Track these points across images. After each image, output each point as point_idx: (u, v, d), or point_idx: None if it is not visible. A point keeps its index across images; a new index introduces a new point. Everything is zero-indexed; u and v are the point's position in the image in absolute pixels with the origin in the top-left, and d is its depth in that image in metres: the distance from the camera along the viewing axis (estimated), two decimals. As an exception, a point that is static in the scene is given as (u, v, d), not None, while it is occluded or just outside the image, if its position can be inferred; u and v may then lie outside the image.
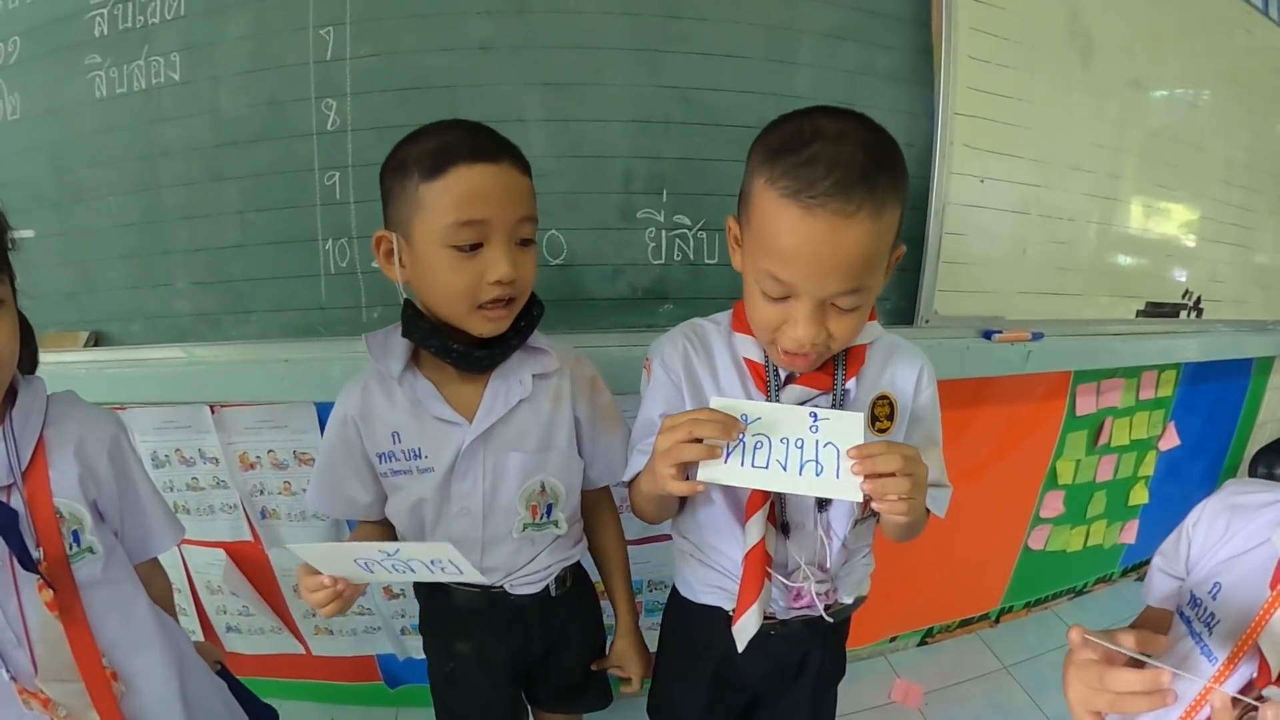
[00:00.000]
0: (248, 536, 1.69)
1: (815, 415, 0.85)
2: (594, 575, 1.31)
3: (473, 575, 0.88)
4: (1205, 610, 0.81)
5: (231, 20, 1.39)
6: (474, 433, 1.04)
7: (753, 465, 0.84)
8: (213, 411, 1.54)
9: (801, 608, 1.08)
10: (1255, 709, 0.68)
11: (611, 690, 1.35)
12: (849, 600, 1.15)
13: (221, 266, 1.48)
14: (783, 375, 1.00)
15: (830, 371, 0.99)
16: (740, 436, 0.84)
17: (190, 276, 1.49)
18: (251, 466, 1.61)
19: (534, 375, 1.07)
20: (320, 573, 0.90)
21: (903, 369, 1.05)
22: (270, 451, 1.59)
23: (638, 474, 1.04)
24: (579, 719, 1.41)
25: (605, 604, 1.32)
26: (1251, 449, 3.02)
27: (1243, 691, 0.71)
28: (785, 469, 0.83)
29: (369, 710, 1.97)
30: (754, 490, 0.95)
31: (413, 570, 0.89)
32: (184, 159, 1.45)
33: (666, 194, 1.48)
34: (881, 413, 1.03)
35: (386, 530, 1.16)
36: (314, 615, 1.79)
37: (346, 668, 1.92)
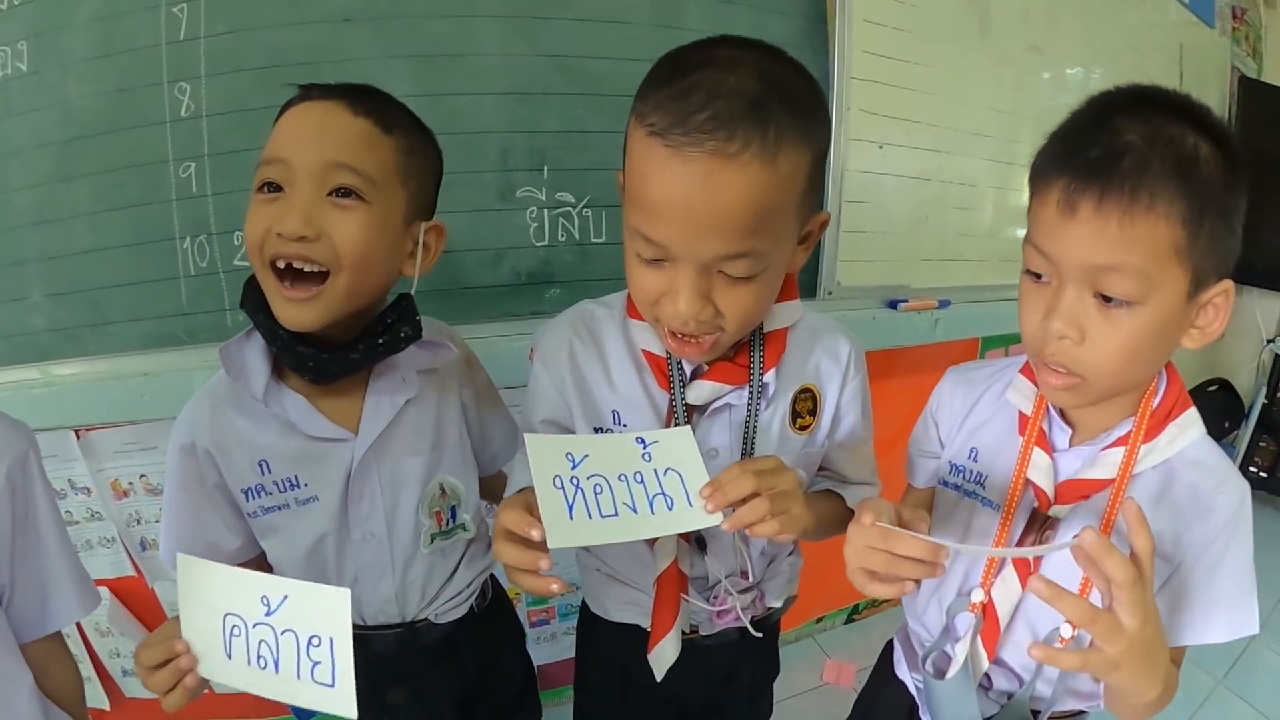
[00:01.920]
0: (130, 571, 1.55)
1: (643, 441, 0.75)
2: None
3: (345, 702, 0.69)
4: (971, 472, 0.89)
5: (81, 1, 1.27)
6: (363, 445, 0.89)
7: (601, 515, 0.71)
8: (78, 436, 1.41)
9: (727, 623, 0.99)
10: (1052, 527, 0.81)
11: (540, 702, 1.28)
12: (778, 604, 1.07)
13: (76, 275, 1.35)
14: (688, 370, 0.85)
15: (745, 363, 0.85)
16: (575, 483, 0.71)
17: (45, 288, 1.36)
18: (125, 494, 1.48)
19: (419, 370, 0.93)
20: (172, 639, 0.74)
21: (829, 355, 0.92)
22: (142, 476, 1.46)
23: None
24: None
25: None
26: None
27: (1031, 520, 0.83)
28: (635, 511, 0.71)
29: None
30: None
31: (275, 666, 0.71)
32: (33, 157, 1.33)
33: (547, 170, 1.40)
34: (803, 408, 0.90)
35: None
36: None
37: (247, 703, 1.73)
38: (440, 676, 1.05)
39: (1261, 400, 3.14)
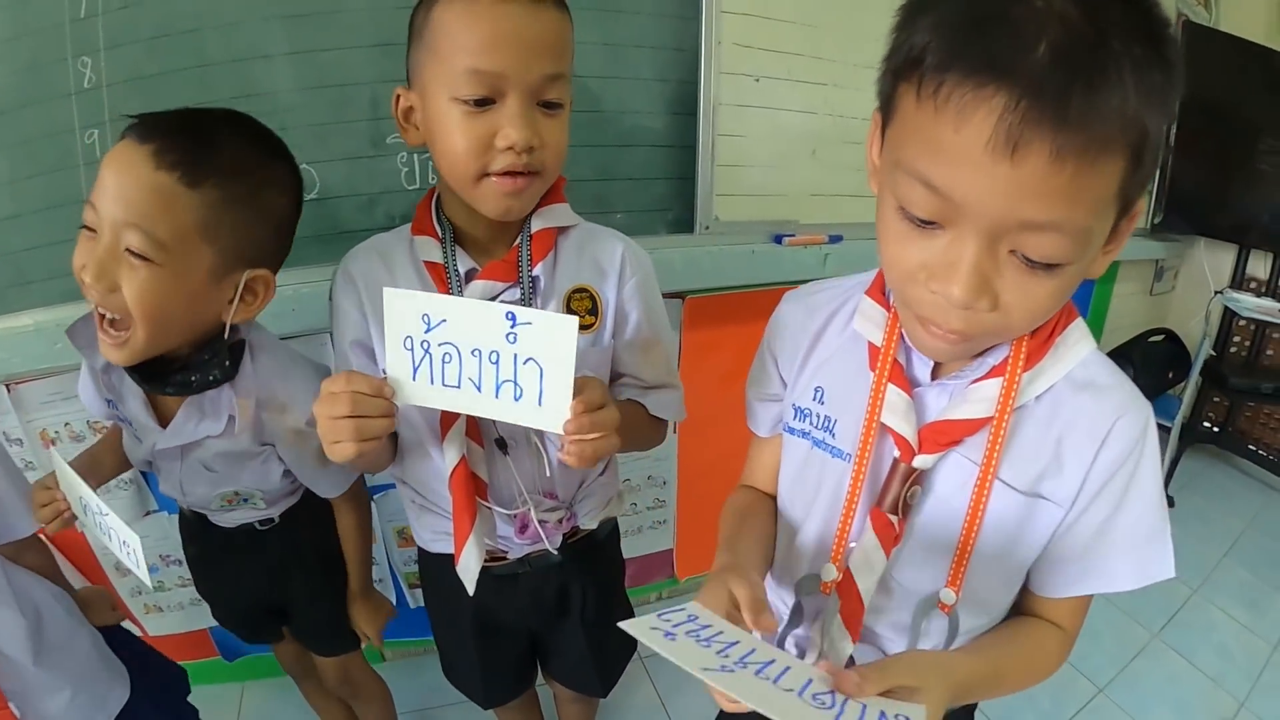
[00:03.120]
0: None
1: (513, 318, 0.70)
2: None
3: (143, 577, 0.88)
4: (818, 417, 0.78)
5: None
6: (164, 442, 0.98)
7: (443, 383, 0.73)
8: (9, 390, 1.52)
9: (530, 538, 1.01)
10: (919, 482, 0.69)
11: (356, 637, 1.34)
12: (593, 525, 1.09)
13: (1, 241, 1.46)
14: (463, 270, 0.90)
15: (514, 261, 0.91)
16: (425, 347, 0.73)
17: (-28, 255, 1.47)
18: (52, 442, 1.53)
19: (230, 416, 0.98)
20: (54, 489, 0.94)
21: (604, 256, 0.96)
22: (67, 424, 1.52)
23: None
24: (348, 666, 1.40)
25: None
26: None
27: (891, 474, 0.70)
28: (479, 390, 0.72)
29: (215, 689, 1.90)
30: None
31: (110, 539, 0.89)
32: (-43, 132, 1.43)
33: None
34: (581, 307, 0.94)
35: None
36: (140, 594, 1.75)
37: (183, 645, 1.85)
38: (226, 568, 1.21)
39: (1209, 351, 3.04)
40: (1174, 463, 3.01)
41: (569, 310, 0.93)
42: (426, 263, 0.91)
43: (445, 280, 0.90)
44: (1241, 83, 2.92)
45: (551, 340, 0.69)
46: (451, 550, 0.95)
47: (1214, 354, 3.17)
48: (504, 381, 0.72)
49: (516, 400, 0.72)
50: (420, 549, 1.13)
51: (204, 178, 0.83)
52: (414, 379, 0.73)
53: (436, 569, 1.10)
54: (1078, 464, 0.66)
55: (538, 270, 0.91)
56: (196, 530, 1.18)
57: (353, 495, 1.19)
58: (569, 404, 0.71)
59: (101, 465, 1.10)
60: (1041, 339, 0.65)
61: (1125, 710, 1.96)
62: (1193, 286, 3.39)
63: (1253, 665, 2.19)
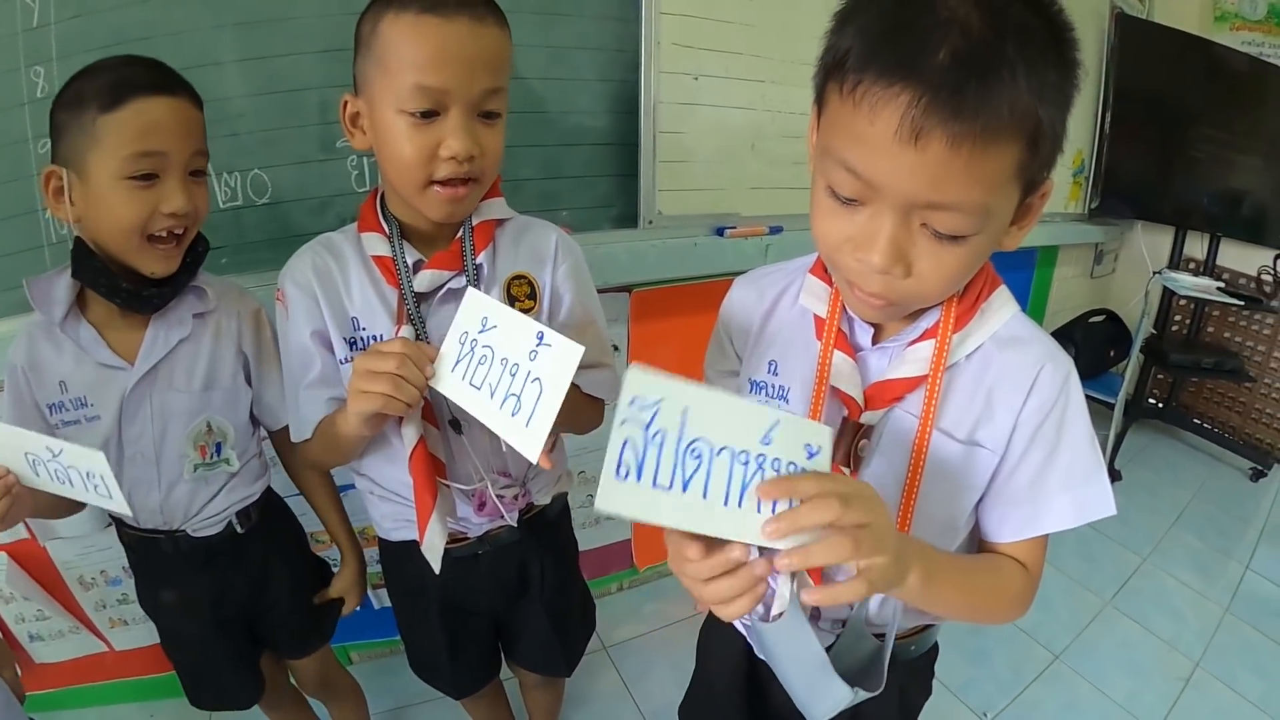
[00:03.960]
0: (24, 534, 1.60)
1: (541, 336, 0.73)
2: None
3: (120, 504, 0.88)
4: (773, 388, 0.84)
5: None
6: (136, 375, 1.02)
7: (471, 382, 0.77)
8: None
9: (489, 515, 1.06)
10: (867, 436, 0.75)
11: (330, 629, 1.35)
12: (546, 500, 1.14)
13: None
14: (410, 262, 0.96)
15: (459, 251, 0.97)
16: (472, 346, 0.78)
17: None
18: None
19: (194, 314, 1.06)
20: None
21: (540, 244, 1.04)
22: None
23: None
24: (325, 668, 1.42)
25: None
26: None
27: (842, 430, 0.75)
28: (491, 397, 0.75)
29: (182, 704, 1.83)
30: None
31: (73, 483, 0.89)
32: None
33: None
34: (520, 292, 1.02)
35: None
36: (106, 608, 1.72)
37: (150, 659, 1.80)
38: (203, 586, 1.17)
39: (1150, 330, 3.14)
40: (1119, 438, 3.10)
41: (509, 296, 1.00)
42: (375, 257, 0.97)
43: (394, 272, 0.96)
44: (1176, 73, 3.04)
45: (556, 365, 0.72)
46: (413, 536, 0.99)
47: (1154, 332, 3.28)
48: (510, 395, 0.75)
49: (512, 415, 0.74)
50: (381, 540, 1.17)
51: (200, 105, 1.00)
52: (452, 370, 0.78)
53: (399, 558, 1.14)
54: (1008, 411, 0.72)
55: (480, 259, 0.98)
56: (168, 557, 1.14)
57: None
58: (547, 432, 0.73)
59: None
60: (969, 304, 0.72)
61: (1082, 675, 2.02)
62: (1132, 268, 3.51)
63: (1205, 627, 2.26)
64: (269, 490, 1.24)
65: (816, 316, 0.79)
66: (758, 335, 0.87)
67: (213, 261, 1.28)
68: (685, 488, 0.55)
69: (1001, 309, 0.74)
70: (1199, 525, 2.80)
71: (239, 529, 1.16)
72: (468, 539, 1.09)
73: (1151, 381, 3.47)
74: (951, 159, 0.54)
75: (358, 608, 1.34)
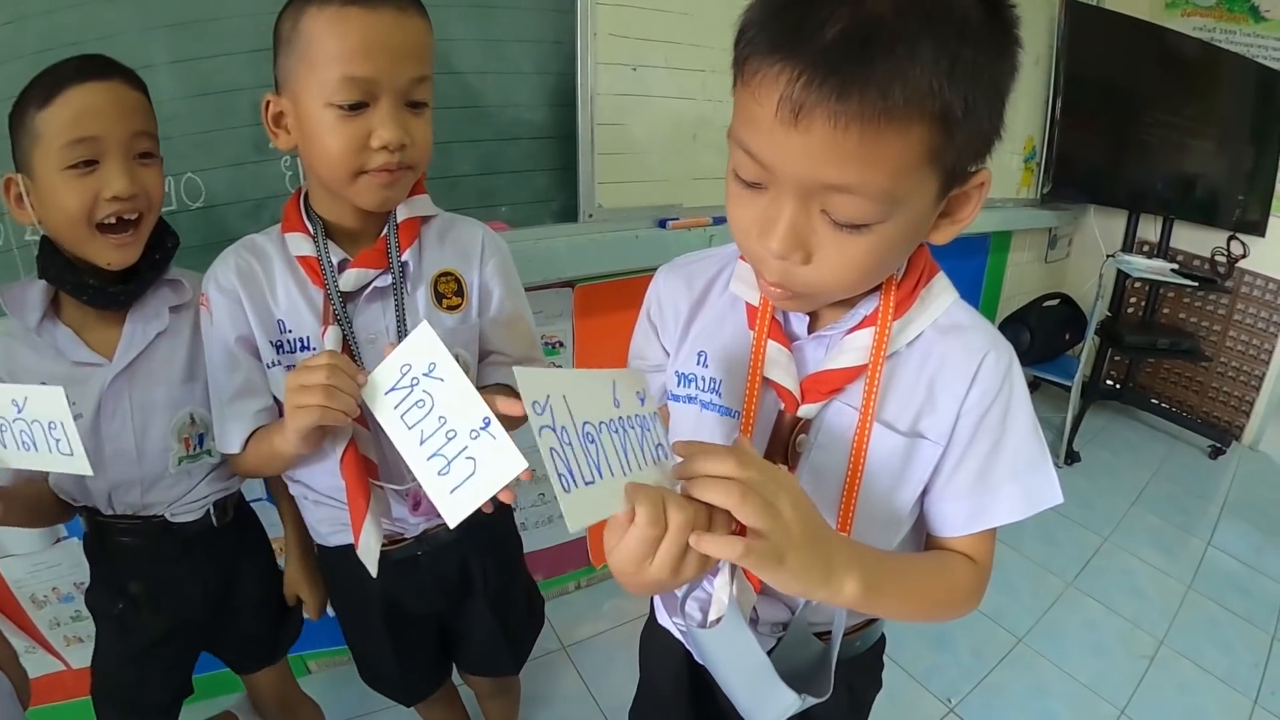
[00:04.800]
0: None
1: (488, 423, 0.65)
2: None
3: (81, 461, 0.83)
4: (703, 380, 0.79)
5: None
6: (114, 370, 1.00)
7: (402, 417, 0.71)
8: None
9: (425, 514, 1.04)
10: (805, 430, 0.72)
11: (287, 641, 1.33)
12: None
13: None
14: (336, 261, 0.95)
15: (384, 249, 0.96)
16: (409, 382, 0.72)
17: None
18: None
19: (170, 308, 1.04)
20: None
21: (464, 241, 1.03)
22: None
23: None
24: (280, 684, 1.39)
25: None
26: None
27: (778, 425, 0.73)
28: (422, 444, 0.70)
29: None
30: None
31: (37, 446, 0.87)
32: None
33: None
34: (448, 289, 1.01)
35: (44, 489, 1.09)
36: (59, 626, 1.65)
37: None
38: (176, 577, 1.15)
39: (1104, 313, 3.17)
40: (1077, 420, 3.12)
41: (436, 293, 1.00)
42: (299, 258, 0.96)
43: (319, 271, 0.94)
44: (1128, 59, 3.08)
45: (494, 465, 0.66)
46: (350, 540, 0.96)
47: (1110, 314, 3.32)
48: (440, 455, 0.69)
49: (439, 474, 0.69)
50: (320, 546, 1.15)
51: (141, 87, 1.02)
52: (386, 394, 0.72)
53: (338, 563, 1.12)
54: (951, 401, 0.70)
55: (406, 256, 0.97)
56: (139, 549, 1.11)
57: None
58: (469, 512, 0.68)
59: (43, 502, 1.08)
60: (908, 290, 0.70)
61: (1046, 657, 2.02)
62: (1086, 252, 3.55)
63: (1169, 605, 2.28)
64: (241, 494, 1.22)
65: (749, 304, 0.75)
66: (687, 325, 0.82)
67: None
68: (601, 474, 0.54)
69: (941, 296, 0.72)
70: (1159, 504, 2.83)
71: (214, 521, 1.14)
72: (405, 540, 1.07)
73: (1109, 364, 3.51)
74: (839, 139, 0.51)
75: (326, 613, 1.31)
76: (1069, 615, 2.21)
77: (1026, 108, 2.96)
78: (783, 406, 0.72)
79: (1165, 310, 3.53)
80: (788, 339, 0.73)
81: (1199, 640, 2.14)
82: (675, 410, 0.83)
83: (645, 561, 0.54)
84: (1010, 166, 2.98)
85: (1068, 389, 3.11)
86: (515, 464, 0.63)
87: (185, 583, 1.16)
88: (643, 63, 1.64)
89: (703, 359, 0.79)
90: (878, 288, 0.69)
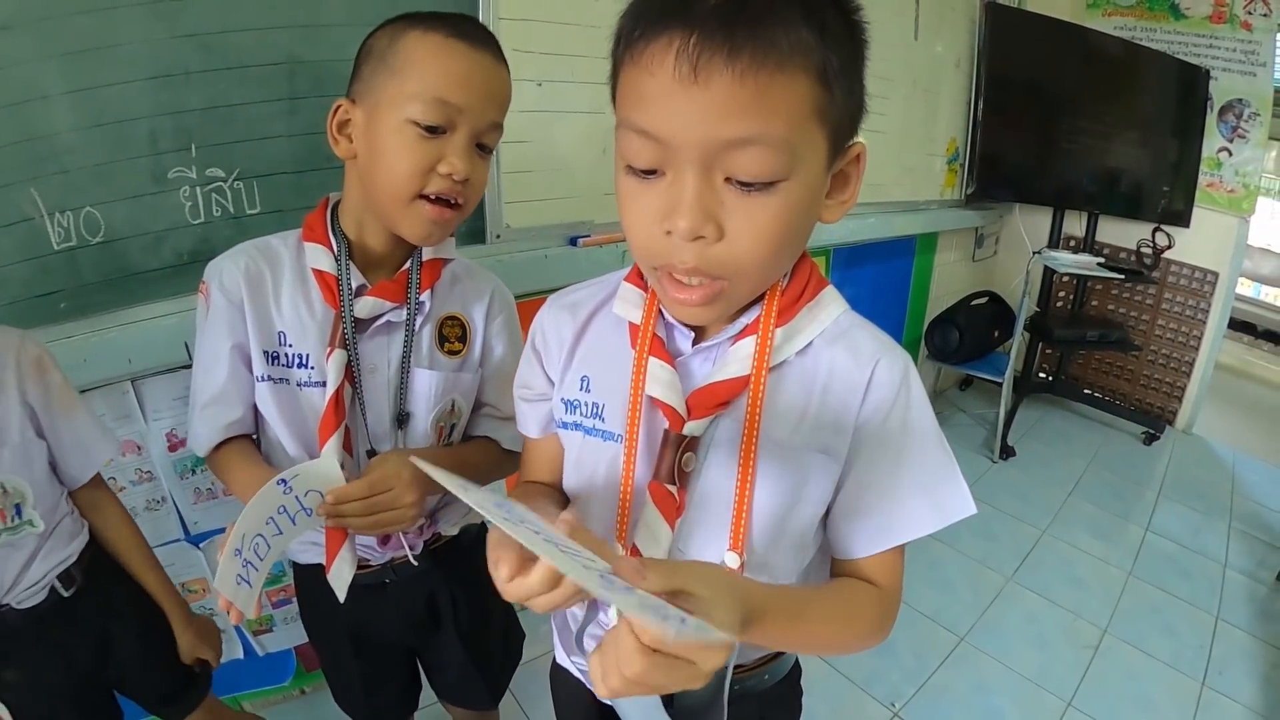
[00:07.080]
0: None
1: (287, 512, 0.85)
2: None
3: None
4: (586, 405, 0.77)
5: None
6: None
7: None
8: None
9: (393, 549, 1.03)
10: (692, 448, 0.68)
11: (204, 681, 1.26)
12: (454, 531, 1.11)
13: None
14: (354, 286, 0.94)
15: (404, 283, 0.96)
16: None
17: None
18: None
19: None
20: None
21: (476, 290, 1.05)
22: None
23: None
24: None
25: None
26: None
27: (664, 446, 0.69)
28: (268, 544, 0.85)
29: None
30: (325, 412, 0.91)
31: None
32: None
33: (195, 149, 1.37)
34: (452, 334, 1.02)
35: None
36: None
37: None
38: (46, 657, 1.07)
39: (1033, 309, 3.23)
40: (1010, 415, 3.17)
41: (440, 335, 1.01)
42: (316, 271, 0.95)
43: (335, 290, 0.94)
44: (1050, 59, 3.14)
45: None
46: (319, 560, 0.96)
47: (1038, 310, 3.39)
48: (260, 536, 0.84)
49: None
50: (294, 564, 1.14)
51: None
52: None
53: (311, 581, 1.10)
54: (845, 413, 0.68)
55: (424, 296, 0.97)
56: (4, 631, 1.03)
57: (107, 494, 1.15)
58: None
59: None
60: (792, 297, 0.68)
61: (989, 654, 2.03)
62: (1013, 250, 3.62)
63: (1110, 593, 2.31)
64: (93, 547, 1.12)
65: (631, 324, 0.73)
66: (570, 353, 0.80)
67: (51, 307, 1.23)
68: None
69: (830, 305, 0.71)
70: (1096, 493, 2.88)
71: (64, 592, 1.06)
72: (371, 565, 1.05)
73: (1040, 357, 3.58)
74: (737, 89, 0.53)
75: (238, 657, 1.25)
76: (1010, 610, 2.22)
77: (949, 110, 3.00)
78: (668, 425, 0.69)
79: (1094, 303, 3.61)
80: (670, 356, 0.70)
81: (1142, 626, 2.17)
82: (566, 439, 0.81)
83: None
84: (934, 169, 3.02)
85: (999, 385, 3.15)
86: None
87: (56, 660, 1.08)
88: (549, 78, 1.62)
89: (585, 384, 0.78)
90: (761, 297, 0.68)
